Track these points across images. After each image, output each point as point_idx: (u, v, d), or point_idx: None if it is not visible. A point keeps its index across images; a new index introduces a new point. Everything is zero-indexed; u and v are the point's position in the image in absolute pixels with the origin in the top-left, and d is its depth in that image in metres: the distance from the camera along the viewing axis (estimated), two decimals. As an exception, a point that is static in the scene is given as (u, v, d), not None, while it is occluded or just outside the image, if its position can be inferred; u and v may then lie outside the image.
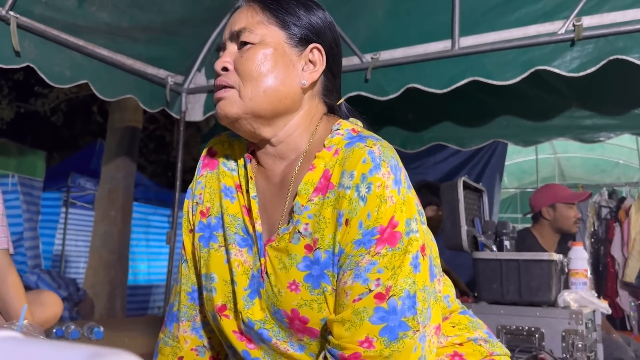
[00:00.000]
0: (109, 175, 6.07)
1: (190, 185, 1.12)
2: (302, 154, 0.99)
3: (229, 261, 0.99)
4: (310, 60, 0.99)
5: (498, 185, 5.25)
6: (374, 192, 0.87)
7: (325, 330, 0.90)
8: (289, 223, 0.95)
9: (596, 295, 2.23)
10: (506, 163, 5.57)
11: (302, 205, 0.93)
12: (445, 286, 1.06)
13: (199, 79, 3.61)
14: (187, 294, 1.10)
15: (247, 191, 1.01)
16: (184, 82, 3.60)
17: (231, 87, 0.96)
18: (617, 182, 6.48)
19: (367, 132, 0.97)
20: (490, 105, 3.69)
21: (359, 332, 0.83)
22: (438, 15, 2.79)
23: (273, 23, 0.97)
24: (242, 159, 1.06)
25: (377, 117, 3.70)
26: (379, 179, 0.88)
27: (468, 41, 2.71)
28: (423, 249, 0.90)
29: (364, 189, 0.87)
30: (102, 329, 2.42)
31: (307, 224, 0.92)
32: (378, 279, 0.85)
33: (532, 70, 2.54)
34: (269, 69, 0.95)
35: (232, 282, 0.98)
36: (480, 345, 1.01)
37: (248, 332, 0.97)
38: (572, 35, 2.45)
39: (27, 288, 2.24)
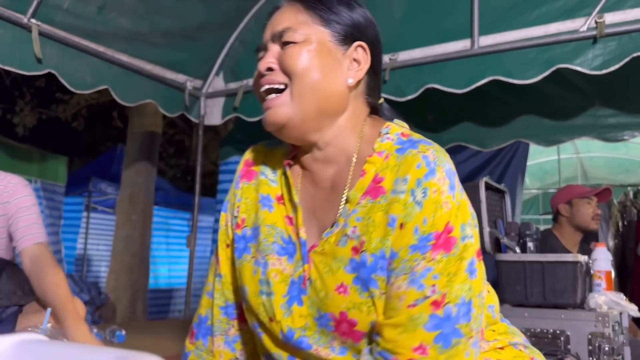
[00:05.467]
0: (129, 179, 6.13)
1: (227, 197, 1.11)
2: (351, 157, 0.97)
3: (265, 273, 0.97)
4: (354, 59, 0.98)
5: (520, 186, 5.18)
6: (430, 198, 0.86)
7: (372, 332, 0.88)
8: (332, 226, 0.94)
9: (624, 297, 2.19)
10: (528, 163, 5.48)
11: (349, 210, 0.92)
12: (490, 295, 1.05)
13: (217, 83, 3.63)
14: (220, 308, 1.09)
15: (290, 200, 1.00)
16: (203, 86, 3.62)
17: (280, 90, 0.95)
18: (641, 181, 6.36)
19: (417, 136, 0.95)
20: (511, 104, 3.65)
21: (413, 338, 0.83)
22: (457, 15, 2.77)
23: (317, 22, 0.96)
24: (281, 167, 1.04)
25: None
26: (435, 184, 0.87)
27: (488, 40, 2.68)
28: (479, 253, 0.89)
29: (420, 193, 0.86)
30: (123, 332, 2.43)
31: (355, 226, 0.91)
32: (434, 285, 0.83)
33: (554, 68, 2.50)
34: (314, 66, 0.93)
35: (270, 293, 0.96)
36: (520, 350, 1.01)
37: (286, 342, 0.94)
38: (594, 33, 2.41)
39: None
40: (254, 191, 1.05)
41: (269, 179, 1.05)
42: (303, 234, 0.97)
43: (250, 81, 3.47)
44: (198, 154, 3.78)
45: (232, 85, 3.56)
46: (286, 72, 0.94)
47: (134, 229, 6.04)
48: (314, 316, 0.92)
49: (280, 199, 1.02)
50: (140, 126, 6.18)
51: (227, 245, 1.09)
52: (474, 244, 0.88)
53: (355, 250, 0.89)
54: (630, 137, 3.59)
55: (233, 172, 4.49)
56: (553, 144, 3.91)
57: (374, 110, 1.06)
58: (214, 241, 1.18)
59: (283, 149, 1.07)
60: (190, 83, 3.49)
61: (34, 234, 1.96)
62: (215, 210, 4.72)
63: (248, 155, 1.11)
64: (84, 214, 7.99)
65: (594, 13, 2.43)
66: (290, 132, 0.96)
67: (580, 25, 2.47)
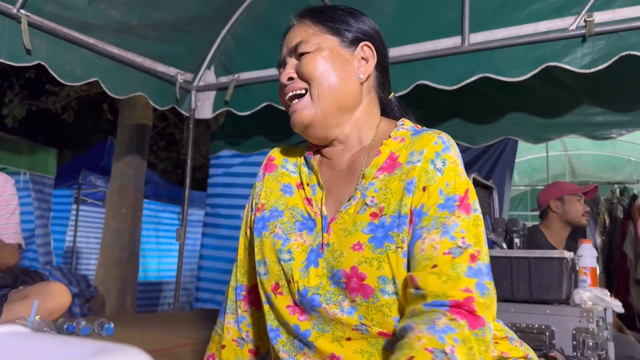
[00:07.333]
0: (119, 172, 6.10)
1: (251, 192, 1.24)
2: (368, 145, 1.11)
3: (286, 245, 1.08)
4: (362, 58, 1.11)
5: (508, 183, 5.21)
6: (449, 166, 1.00)
7: (380, 291, 0.96)
8: (349, 200, 1.06)
9: (608, 293, 2.21)
10: (516, 160, 5.52)
11: (365, 184, 1.04)
12: None
13: (208, 76, 3.62)
14: (233, 289, 1.23)
15: (308, 184, 1.13)
16: (194, 79, 3.61)
17: (302, 95, 1.08)
18: (628, 179, 6.42)
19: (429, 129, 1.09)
20: (500, 102, 3.67)
21: (458, 283, 0.90)
22: (448, 12, 2.78)
23: (325, 32, 1.10)
24: (300, 160, 1.19)
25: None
26: (451, 157, 1.01)
27: (478, 37, 2.70)
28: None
29: (440, 163, 0.99)
30: (112, 325, 2.43)
31: (373, 197, 1.03)
32: (463, 238, 0.95)
33: (543, 66, 2.52)
34: (328, 68, 1.07)
35: (290, 259, 1.06)
36: (515, 345, 1.07)
37: (301, 301, 1.04)
38: (583, 32, 2.43)
39: (39, 284, 2.31)
40: (274, 181, 1.19)
41: (290, 171, 1.19)
42: (325, 210, 1.08)
43: (242, 75, 3.47)
44: (188, 148, 3.77)
45: (223, 79, 3.56)
46: (305, 79, 1.08)
47: (123, 221, 6.02)
48: (328, 275, 1.02)
49: (300, 185, 1.16)
50: (131, 119, 6.15)
51: (246, 234, 1.23)
52: (481, 220, 0.99)
53: (374, 215, 1.01)
54: (618, 135, 3.62)
55: (224, 165, 4.51)
56: (542, 141, 3.94)
57: (386, 104, 1.20)
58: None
59: (303, 146, 1.22)
60: (181, 76, 3.49)
61: (17, 234, 2.22)
62: (206, 204, 4.71)
63: (271, 152, 1.25)
64: (74, 206, 7.95)
65: (584, 12, 2.45)
66: (314, 131, 1.10)
67: (569, 23, 2.49)
